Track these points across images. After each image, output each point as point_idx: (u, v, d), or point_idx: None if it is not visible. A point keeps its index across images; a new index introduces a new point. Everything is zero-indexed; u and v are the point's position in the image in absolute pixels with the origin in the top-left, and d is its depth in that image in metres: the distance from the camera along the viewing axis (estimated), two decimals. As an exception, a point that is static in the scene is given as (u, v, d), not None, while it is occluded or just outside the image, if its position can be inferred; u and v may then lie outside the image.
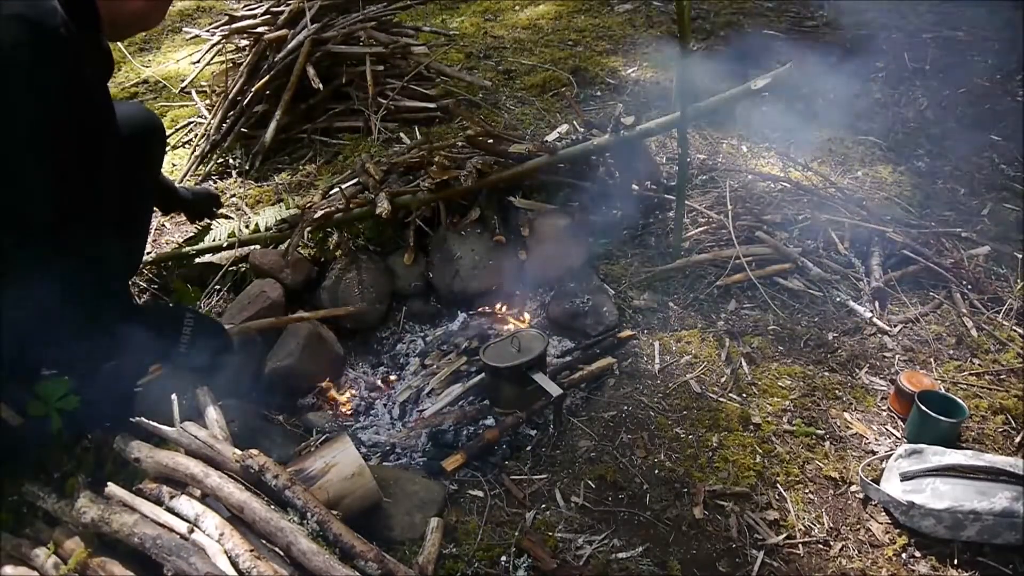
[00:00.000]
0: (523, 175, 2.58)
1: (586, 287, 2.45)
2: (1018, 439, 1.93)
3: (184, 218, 2.60)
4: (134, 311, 1.87)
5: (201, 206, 2.53)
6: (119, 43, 4.60)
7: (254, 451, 1.55)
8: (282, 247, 2.47)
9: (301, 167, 3.20)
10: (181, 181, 3.25)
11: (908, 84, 3.81)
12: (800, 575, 1.61)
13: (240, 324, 2.01)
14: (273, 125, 3.23)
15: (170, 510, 1.50)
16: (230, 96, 3.32)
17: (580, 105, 3.47)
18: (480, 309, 2.55)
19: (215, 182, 3.22)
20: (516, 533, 1.68)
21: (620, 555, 1.64)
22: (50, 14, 1.43)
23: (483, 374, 2.14)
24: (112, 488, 1.59)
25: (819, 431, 1.95)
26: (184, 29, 4.39)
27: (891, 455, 1.84)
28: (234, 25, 3.53)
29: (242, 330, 2.00)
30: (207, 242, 2.65)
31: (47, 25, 1.42)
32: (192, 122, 3.64)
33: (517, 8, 5.02)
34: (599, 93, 3.76)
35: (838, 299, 2.40)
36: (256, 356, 2.21)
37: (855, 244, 2.61)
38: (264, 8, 3.56)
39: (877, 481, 1.79)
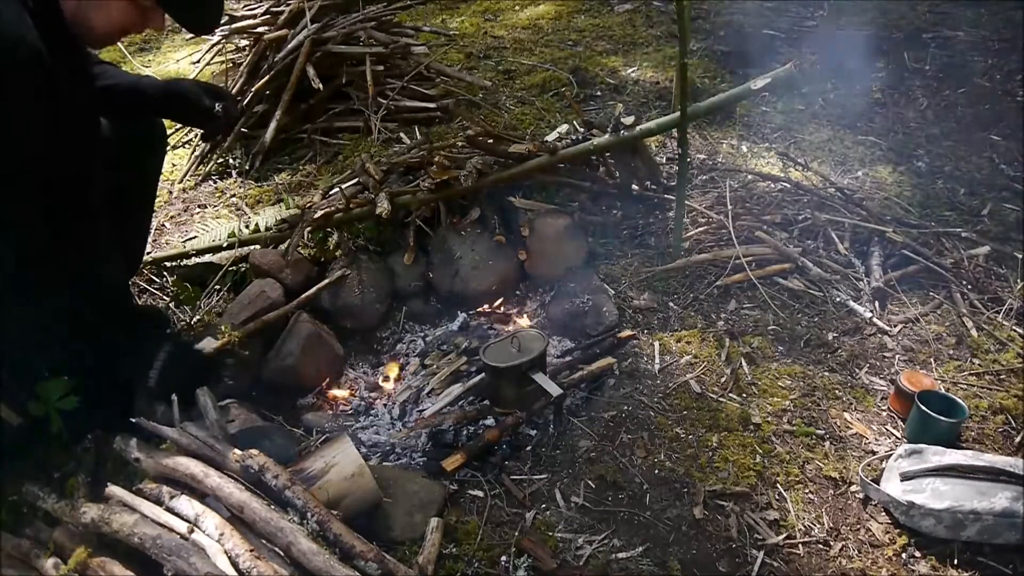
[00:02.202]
0: (523, 175, 2.58)
1: (586, 287, 2.45)
2: (1018, 439, 1.93)
3: (188, 214, 2.59)
4: (129, 326, 1.87)
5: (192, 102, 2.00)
6: (120, 43, 4.60)
7: (254, 451, 1.55)
8: (282, 247, 2.47)
9: (301, 167, 3.20)
10: (181, 181, 3.25)
11: (908, 84, 3.81)
12: (800, 575, 1.61)
13: (224, 339, 2.05)
14: (273, 125, 3.23)
15: (170, 510, 1.50)
16: (230, 96, 3.32)
17: (580, 105, 3.47)
18: (480, 309, 2.55)
19: (215, 182, 3.23)
20: (516, 533, 1.68)
21: (620, 555, 1.64)
22: (22, 43, 1.40)
23: (483, 374, 2.14)
24: (112, 488, 1.59)
25: (819, 431, 1.95)
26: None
27: (891, 455, 1.84)
28: (234, 25, 3.53)
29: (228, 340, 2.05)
30: (207, 243, 2.65)
31: (20, 59, 1.39)
32: (192, 122, 3.64)
33: (517, 8, 5.02)
34: (599, 93, 3.76)
35: (838, 299, 2.40)
36: (256, 356, 2.21)
37: (855, 244, 2.61)
38: (264, 8, 3.57)
39: (877, 481, 1.79)
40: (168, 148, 2.86)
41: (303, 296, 2.30)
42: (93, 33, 1.66)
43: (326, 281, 2.36)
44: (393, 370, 2.33)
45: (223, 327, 2.08)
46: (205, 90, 2.01)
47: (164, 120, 2.21)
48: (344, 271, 2.39)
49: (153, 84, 1.98)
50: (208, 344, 2.02)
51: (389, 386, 2.29)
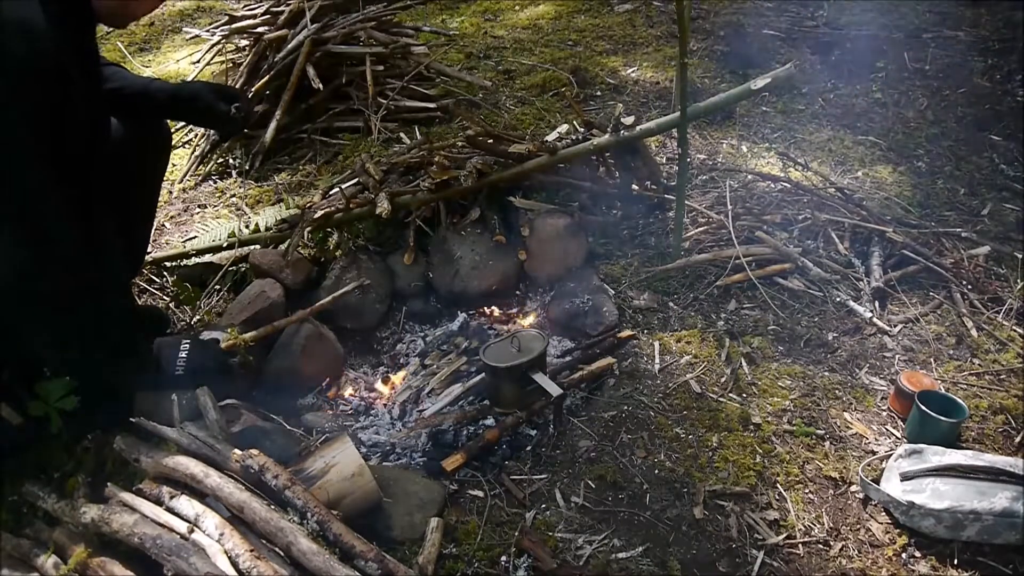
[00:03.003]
0: (523, 175, 2.58)
1: (586, 287, 2.45)
2: (1018, 439, 1.93)
3: (188, 214, 2.58)
4: (129, 326, 1.87)
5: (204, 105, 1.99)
6: (119, 44, 4.61)
7: (254, 451, 1.55)
8: (282, 247, 2.47)
9: (301, 167, 3.20)
10: (181, 181, 3.25)
11: (908, 84, 3.81)
12: (800, 575, 1.61)
13: (232, 340, 2.06)
14: (273, 125, 3.23)
15: (170, 510, 1.50)
16: (230, 96, 3.32)
17: (580, 105, 3.47)
18: (480, 309, 2.55)
19: (215, 182, 3.23)
20: (516, 533, 1.68)
21: (620, 555, 1.64)
22: (30, 35, 1.40)
23: (483, 374, 2.14)
24: (112, 488, 1.59)
25: (819, 431, 1.95)
26: (184, 29, 4.39)
27: (891, 455, 1.84)
28: (234, 25, 3.53)
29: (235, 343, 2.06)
30: (207, 243, 2.65)
31: (28, 43, 1.39)
32: (192, 122, 3.64)
33: (517, 8, 5.02)
34: (599, 93, 3.76)
35: (838, 299, 2.40)
36: (256, 357, 2.21)
37: (855, 244, 2.61)
38: (264, 8, 3.57)
39: (877, 481, 1.79)
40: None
41: (317, 304, 2.27)
42: (131, 18, 1.67)
43: (344, 290, 2.33)
44: (391, 378, 2.33)
45: (229, 330, 2.08)
46: (217, 92, 1.99)
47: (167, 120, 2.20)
48: (363, 281, 2.38)
49: (163, 89, 1.96)
50: (218, 337, 2.04)
51: (386, 390, 2.29)
